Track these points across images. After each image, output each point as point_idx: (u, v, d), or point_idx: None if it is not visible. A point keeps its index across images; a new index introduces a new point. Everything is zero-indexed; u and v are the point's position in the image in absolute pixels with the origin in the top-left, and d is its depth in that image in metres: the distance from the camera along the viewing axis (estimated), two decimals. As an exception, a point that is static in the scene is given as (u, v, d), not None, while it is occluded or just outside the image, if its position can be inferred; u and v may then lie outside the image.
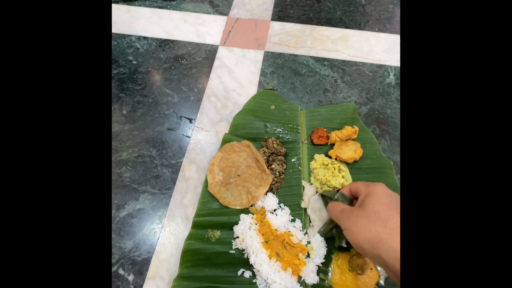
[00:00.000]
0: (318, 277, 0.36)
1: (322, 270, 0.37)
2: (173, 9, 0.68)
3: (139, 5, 0.68)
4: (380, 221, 0.28)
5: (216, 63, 0.59)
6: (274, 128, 0.48)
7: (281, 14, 0.67)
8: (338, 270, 0.36)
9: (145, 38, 0.63)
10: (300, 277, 0.36)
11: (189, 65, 0.59)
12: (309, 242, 0.38)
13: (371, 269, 0.36)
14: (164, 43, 0.62)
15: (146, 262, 0.39)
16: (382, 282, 0.36)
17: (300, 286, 0.35)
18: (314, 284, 0.36)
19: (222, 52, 0.61)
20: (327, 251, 0.37)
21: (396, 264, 0.26)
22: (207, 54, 0.60)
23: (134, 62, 0.59)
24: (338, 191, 0.39)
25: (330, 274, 0.36)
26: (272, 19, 0.66)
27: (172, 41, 0.62)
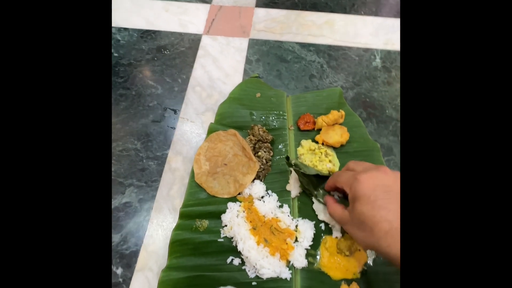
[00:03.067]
0: (306, 260, 0.36)
1: (311, 253, 0.37)
2: (154, -1, 0.66)
3: (119, -5, 0.66)
4: (368, 230, 0.29)
5: (200, 52, 0.58)
6: (260, 115, 0.48)
7: (265, 0, 0.66)
8: (327, 253, 0.37)
9: (125, 29, 0.61)
10: (289, 262, 0.36)
11: (172, 55, 0.57)
12: (297, 227, 0.38)
13: (359, 250, 0.37)
14: (145, 34, 0.60)
15: (134, 254, 0.38)
16: (370, 262, 0.36)
17: (289, 270, 0.35)
18: (303, 268, 0.36)
19: (206, 41, 0.59)
20: (316, 235, 0.37)
21: (392, 263, 0.28)
22: (191, 43, 0.59)
23: (115, 55, 0.57)
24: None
25: (318, 257, 0.37)
26: (257, 6, 0.65)
27: (154, 32, 0.60)
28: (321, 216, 0.38)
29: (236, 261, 0.36)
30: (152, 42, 0.59)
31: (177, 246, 0.37)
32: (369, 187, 0.29)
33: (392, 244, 0.27)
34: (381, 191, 0.29)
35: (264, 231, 0.37)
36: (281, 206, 0.40)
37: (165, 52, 0.58)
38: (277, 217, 0.38)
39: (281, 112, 0.48)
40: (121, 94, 0.52)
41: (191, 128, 0.49)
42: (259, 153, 0.43)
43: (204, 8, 0.64)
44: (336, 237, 0.37)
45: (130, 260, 0.38)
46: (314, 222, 0.38)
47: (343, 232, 0.37)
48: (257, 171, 0.42)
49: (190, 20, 0.62)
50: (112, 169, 0.45)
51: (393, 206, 0.28)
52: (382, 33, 0.60)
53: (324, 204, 0.38)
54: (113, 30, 0.61)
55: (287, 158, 0.39)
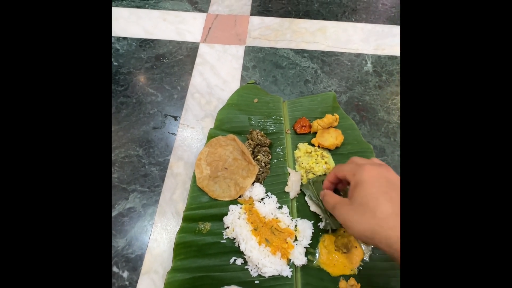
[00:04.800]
0: (306, 258, 0.37)
1: (310, 251, 0.38)
2: (152, 8, 0.68)
3: (116, 6, 0.68)
4: (369, 213, 0.29)
5: (198, 60, 0.59)
6: (258, 120, 0.50)
7: (259, 8, 0.68)
8: (325, 251, 0.38)
9: (124, 38, 0.62)
10: (289, 260, 0.37)
11: (171, 63, 0.59)
12: (296, 226, 0.39)
13: (356, 247, 0.38)
14: (144, 43, 0.62)
15: (140, 258, 0.40)
16: (366, 258, 0.38)
17: (290, 268, 0.37)
18: (303, 265, 0.37)
19: (203, 49, 0.61)
20: (314, 234, 0.39)
21: (389, 249, 0.27)
22: (189, 51, 0.61)
23: (115, 63, 0.59)
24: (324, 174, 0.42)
25: (317, 255, 0.38)
26: (251, 14, 0.67)
27: (153, 41, 0.62)
28: (313, 208, 0.41)
29: (239, 261, 0.38)
30: (151, 51, 0.61)
31: (181, 248, 0.39)
32: (374, 175, 0.30)
33: (394, 227, 0.27)
34: (384, 181, 0.30)
35: (265, 231, 0.38)
36: (280, 207, 0.41)
37: (164, 60, 0.59)
38: (277, 218, 0.40)
39: (278, 117, 0.50)
40: (122, 102, 0.54)
41: (191, 134, 0.50)
42: (258, 157, 0.45)
43: (200, 17, 0.66)
44: (336, 235, 0.39)
45: (135, 264, 0.39)
46: (312, 221, 0.40)
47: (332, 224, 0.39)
48: (257, 174, 0.43)
49: (188, 29, 0.64)
50: (116, 176, 0.46)
51: (395, 195, 0.28)
52: (372, 39, 0.63)
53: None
54: (112, 40, 0.62)
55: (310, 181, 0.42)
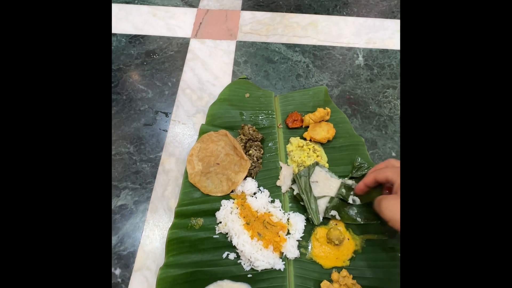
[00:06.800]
0: (298, 251, 0.38)
1: (303, 244, 0.39)
2: (141, 4, 0.67)
3: (105, 1, 0.66)
4: None
5: (189, 56, 0.59)
6: (250, 115, 0.50)
7: (251, 3, 0.68)
8: (318, 243, 0.39)
9: (114, 34, 0.61)
10: (282, 253, 0.37)
11: (162, 59, 0.58)
12: (288, 220, 0.40)
13: (348, 239, 0.39)
14: (134, 39, 0.61)
15: (132, 255, 0.39)
16: (358, 250, 0.38)
17: (283, 261, 0.37)
18: (295, 258, 0.37)
19: (194, 44, 0.60)
20: (306, 227, 0.39)
21: None
22: (179, 47, 0.60)
23: (104, 60, 0.58)
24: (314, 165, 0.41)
25: (310, 247, 0.38)
26: (242, 9, 0.66)
27: (143, 36, 0.61)
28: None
29: (232, 256, 0.38)
30: (141, 47, 0.60)
31: (174, 244, 0.38)
32: None
33: None
34: None
35: (257, 225, 0.38)
36: (272, 201, 0.41)
37: (154, 56, 0.59)
38: (269, 212, 0.40)
39: (269, 111, 0.50)
40: (112, 99, 0.53)
41: (183, 130, 0.50)
42: (250, 152, 0.45)
43: (191, 12, 0.65)
44: (328, 228, 0.39)
45: (128, 261, 0.39)
46: (304, 214, 0.40)
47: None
48: (249, 169, 0.43)
49: (178, 24, 0.63)
50: (106, 173, 0.45)
51: None
52: (363, 33, 0.63)
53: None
54: (101, 36, 0.61)
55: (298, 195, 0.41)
